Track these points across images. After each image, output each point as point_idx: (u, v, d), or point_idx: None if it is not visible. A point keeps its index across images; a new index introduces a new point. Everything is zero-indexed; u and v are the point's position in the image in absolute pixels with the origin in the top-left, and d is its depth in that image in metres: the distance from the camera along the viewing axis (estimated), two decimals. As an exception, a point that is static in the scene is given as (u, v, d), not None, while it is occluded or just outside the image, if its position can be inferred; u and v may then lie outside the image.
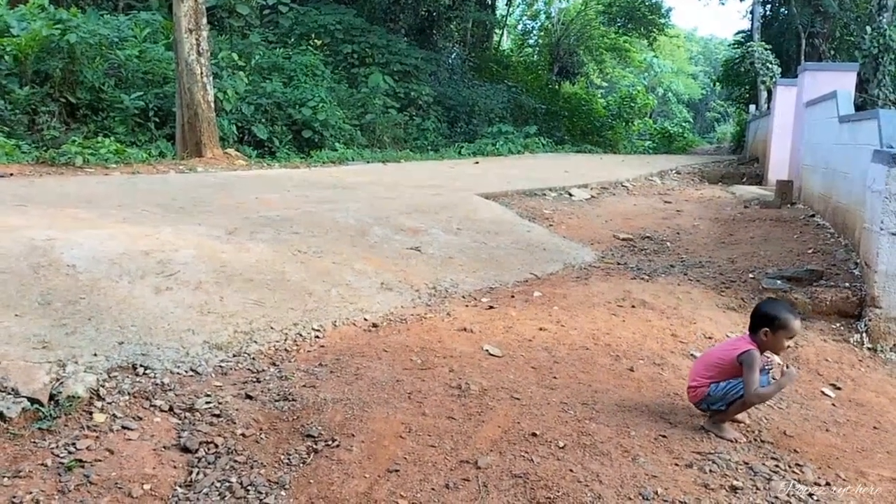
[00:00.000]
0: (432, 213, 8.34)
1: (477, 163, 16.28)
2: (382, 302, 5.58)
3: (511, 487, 3.14)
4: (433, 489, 3.10)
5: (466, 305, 5.73)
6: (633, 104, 34.14)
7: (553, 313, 5.52)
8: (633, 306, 5.73)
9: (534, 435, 3.59)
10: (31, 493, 2.92)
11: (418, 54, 21.60)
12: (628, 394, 4.16)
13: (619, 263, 7.38)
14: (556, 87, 32.67)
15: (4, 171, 9.70)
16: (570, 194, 11.37)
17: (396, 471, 3.23)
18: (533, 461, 3.35)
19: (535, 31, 39.61)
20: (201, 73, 12.26)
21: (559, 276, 6.88)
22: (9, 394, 3.53)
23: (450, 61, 26.00)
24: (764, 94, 22.45)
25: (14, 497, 2.88)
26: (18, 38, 11.97)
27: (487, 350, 4.68)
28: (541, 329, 5.16)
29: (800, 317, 5.10)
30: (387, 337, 4.87)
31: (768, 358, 3.80)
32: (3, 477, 3.02)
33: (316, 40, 19.38)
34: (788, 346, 3.80)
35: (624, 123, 32.58)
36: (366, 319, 5.21)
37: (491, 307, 5.66)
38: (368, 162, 15.38)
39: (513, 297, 6.03)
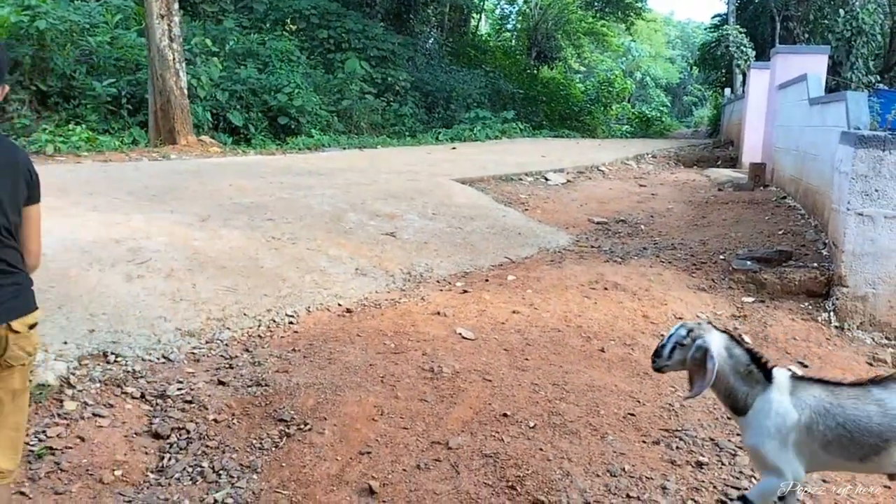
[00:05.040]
0: (408, 198, 8.34)
1: (454, 148, 16.27)
2: (357, 287, 5.60)
3: (482, 467, 3.18)
4: (404, 470, 3.14)
5: (441, 290, 5.76)
6: (611, 89, 34.21)
7: (526, 296, 5.56)
8: (606, 288, 5.79)
9: (505, 415, 3.64)
10: (0, 481, 2.91)
11: (395, 39, 21.45)
12: (598, 374, 4.21)
13: (593, 247, 7.43)
14: (535, 71, 32.62)
15: None
16: (547, 179, 11.41)
17: (368, 453, 3.26)
18: (503, 441, 3.40)
19: (513, 16, 39.49)
20: (174, 59, 12.11)
21: (534, 259, 6.92)
22: (-23, 383, 3.51)
23: (427, 46, 25.87)
24: (739, 78, 22.58)
25: (-17, 486, 2.88)
26: (-14, 25, 11.75)
27: (461, 333, 4.71)
28: (514, 312, 5.20)
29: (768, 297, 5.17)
30: (361, 322, 4.89)
31: None
32: (-28, 466, 3.01)
33: (291, 25, 19.18)
34: None
35: (602, 108, 32.64)
36: (340, 305, 5.22)
37: (465, 291, 5.70)
38: (345, 148, 15.31)
39: (487, 280, 6.06)
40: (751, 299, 5.69)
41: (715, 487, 3.13)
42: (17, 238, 2.33)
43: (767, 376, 2.46)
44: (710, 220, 8.72)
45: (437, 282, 6.02)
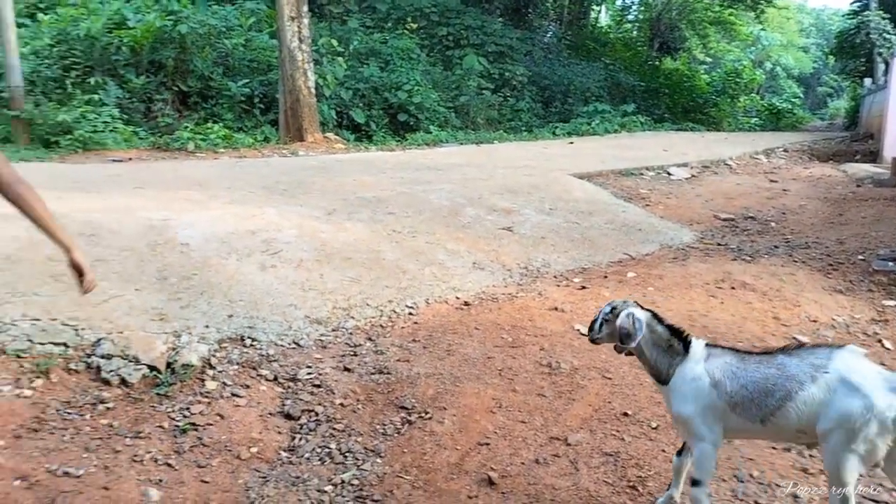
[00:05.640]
0: (525, 193, 8.33)
1: (571, 143, 16.07)
2: (474, 281, 5.66)
3: (601, 465, 3.16)
4: (523, 463, 3.16)
5: (558, 285, 5.73)
6: (738, 80, 32.57)
7: (648, 294, 5.44)
8: (733, 288, 5.57)
9: (625, 414, 3.59)
10: (150, 452, 3.18)
11: (513, 34, 21.42)
12: (724, 376, 4.07)
13: (719, 244, 7.16)
14: (657, 63, 31.58)
15: (124, 157, 10.39)
16: (669, 173, 11.07)
17: (487, 444, 3.31)
18: (624, 440, 3.35)
19: (634, 6, 38.41)
20: (303, 59, 12.66)
21: (655, 256, 6.75)
22: (130, 361, 3.84)
23: (545, 40, 25.64)
24: (881, 67, 20.98)
25: (135, 455, 3.15)
26: (134, 30, 12.71)
27: (578, 329, 4.68)
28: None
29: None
30: (478, 315, 4.95)
31: None
32: (126, 437, 3.30)
33: (412, 24, 19.56)
34: None
35: (728, 100, 31.16)
36: (458, 297, 5.30)
37: (583, 287, 5.64)
38: (462, 144, 15.47)
39: (606, 277, 5.98)
40: (892, 303, 5.30)
41: (852, 500, 2.96)
42: None
43: (687, 348, 2.63)
44: (848, 217, 8.18)
45: (554, 277, 5.99)
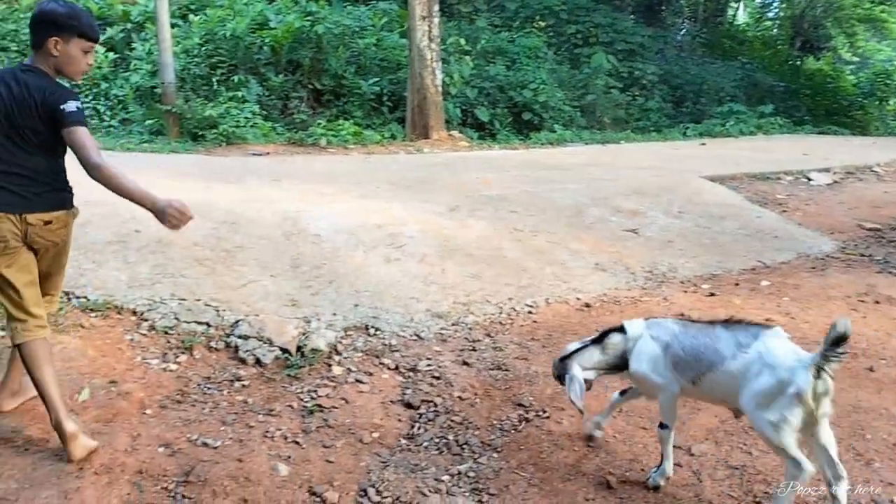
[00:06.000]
0: (652, 195, 8.11)
1: (703, 144, 15.44)
2: (596, 282, 5.58)
3: (726, 478, 3.05)
4: (643, 470, 3.09)
5: (685, 291, 5.55)
6: (889, 81, 30.14)
7: (782, 304, 5.16)
8: (878, 302, 5.19)
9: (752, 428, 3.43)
10: (280, 429, 3.36)
11: (644, 32, 20.83)
12: (866, 395, 3.80)
13: (862, 255, 6.68)
14: (798, 63, 29.78)
15: (262, 151, 10.99)
16: (809, 178, 10.42)
17: (605, 447, 3.26)
18: (751, 454, 3.21)
19: (775, 3, 36.38)
20: (431, 58, 12.88)
21: (791, 265, 6.39)
22: (265, 343, 4.08)
23: (678, 38, 24.76)
24: None
25: (267, 432, 3.34)
26: (275, 30, 13.40)
27: (706, 337, 4.50)
28: (767, 320, 4.84)
29: None
30: (599, 317, 4.88)
31: None
32: (259, 414, 3.51)
33: (540, 22, 19.45)
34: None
35: (877, 103, 28.88)
36: (578, 299, 5.25)
37: (712, 294, 5.43)
38: (587, 143, 15.22)
39: (737, 285, 5.72)
40: None
41: None
42: (53, 152, 2.87)
43: (622, 331, 3.04)
44: None
45: (681, 283, 5.80)
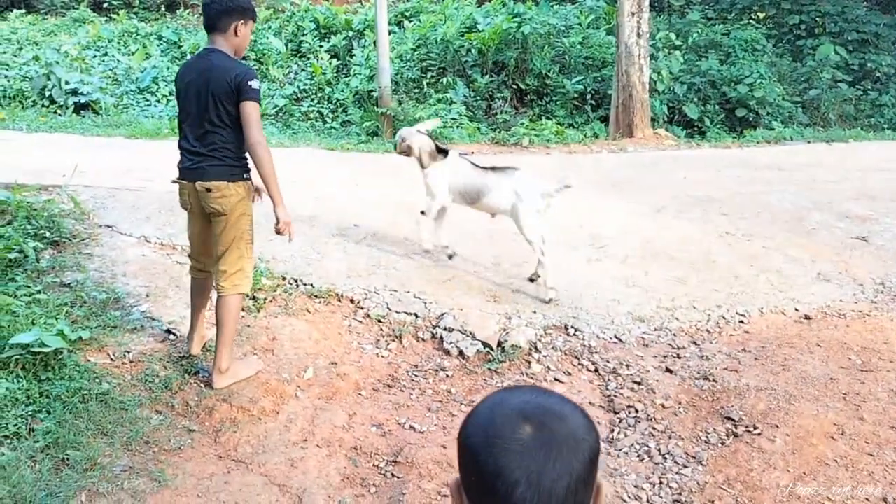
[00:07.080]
0: (886, 199, 7.28)
1: (953, 143, 13.58)
2: (817, 293, 5.13)
3: None
4: (867, 499, 2.82)
5: (925, 308, 4.93)
6: None
7: None
8: None
9: None
10: (480, 421, 3.47)
11: (880, 20, 18.66)
12: None
13: None
14: None
15: (467, 150, 11.34)
16: None
17: (825, 472, 3.01)
18: None
19: None
20: (639, 54, 12.53)
21: None
22: (467, 336, 4.23)
23: (925, 23, 21.89)
24: None
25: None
26: (483, 33, 13.74)
27: (951, 362, 3.99)
28: None
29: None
30: (821, 331, 4.48)
31: None
32: (461, 404, 3.65)
33: (759, 13, 18.15)
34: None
35: None
36: (797, 310, 4.86)
37: (960, 313, 4.78)
38: (809, 142, 13.98)
39: None
40: None
41: None
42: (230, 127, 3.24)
43: (445, 155, 4.92)
44: None
45: (922, 298, 5.16)
